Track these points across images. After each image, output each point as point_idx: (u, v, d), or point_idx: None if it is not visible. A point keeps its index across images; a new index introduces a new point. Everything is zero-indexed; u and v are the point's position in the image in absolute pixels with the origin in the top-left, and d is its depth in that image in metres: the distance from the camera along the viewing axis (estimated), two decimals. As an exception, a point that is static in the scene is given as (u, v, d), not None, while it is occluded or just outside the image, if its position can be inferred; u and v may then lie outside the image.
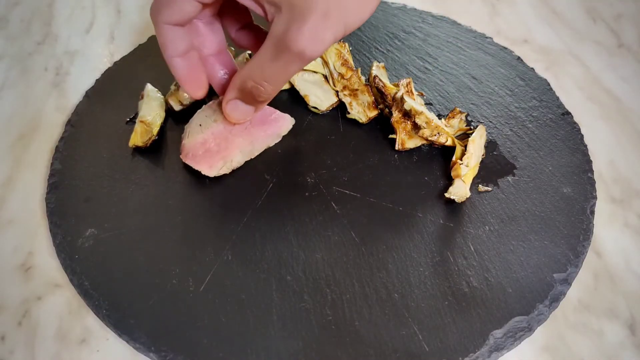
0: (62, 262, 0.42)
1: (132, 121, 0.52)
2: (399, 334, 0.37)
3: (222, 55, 0.42)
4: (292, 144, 0.50)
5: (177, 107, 0.52)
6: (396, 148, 0.48)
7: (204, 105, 0.47)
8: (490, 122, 0.51)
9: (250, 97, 0.39)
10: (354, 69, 0.53)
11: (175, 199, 0.46)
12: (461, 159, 0.45)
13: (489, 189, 0.46)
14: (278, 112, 0.48)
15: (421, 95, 0.52)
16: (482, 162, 0.47)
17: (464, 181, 0.44)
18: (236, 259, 0.41)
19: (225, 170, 0.46)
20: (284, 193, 0.46)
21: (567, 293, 0.39)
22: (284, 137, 0.50)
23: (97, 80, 0.57)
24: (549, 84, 0.55)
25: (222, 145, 0.46)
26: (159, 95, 0.52)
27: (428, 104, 0.53)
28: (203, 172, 0.46)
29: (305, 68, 0.53)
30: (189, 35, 0.38)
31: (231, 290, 0.40)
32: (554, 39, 0.63)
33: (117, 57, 0.60)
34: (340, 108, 0.53)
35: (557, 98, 0.53)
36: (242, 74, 0.38)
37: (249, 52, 0.55)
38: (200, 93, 0.42)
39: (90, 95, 0.56)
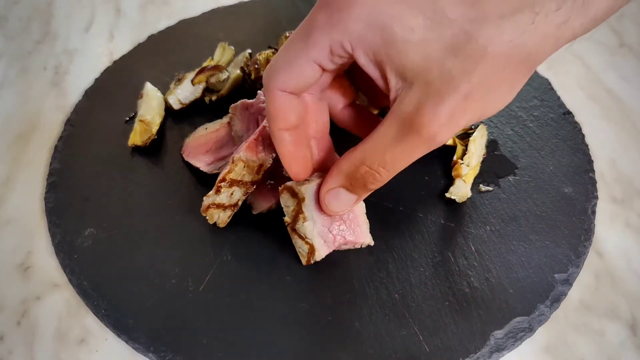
0: (61, 262, 0.42)
1: (132, 120, 0.52)
2: (399, 334, 0.37)
3: (324, 139, 0.38)
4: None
5: (176, 106, 0.52)
6: (396, 147, 0.48)
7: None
8: (491, 121, 0.51)
9: (359, 185, 0.34)
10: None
11: (175, 198, 0.45)
12: (462, 159, 0.45)
13: (490, 188, 0.45)
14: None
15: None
16: (483, 161, 0.47)
17: (464, 181, 0.44)
18: (236, 259, 0.41)
19: (224, 168, 0.46)
20: (284, 193, 0.46)
21: (568, 293, 0.39)
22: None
23: (96, 79, 0.57)
24: (550, 84, 0.54)
25: (223, 149, 0.46)
26: (159, 94, 0.52)
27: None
28: (201, 169, 0.46)
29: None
30: (300, 107, 0.33)
31: (231, 290, 0.39)
32: (555, 38, 0.63)
33: (117, 56, 0.60)
34: (340, 107, 0.52)
35: (559, 97, 0.53)
36: (353, 158, 0.33)
37: (249, 50, 0.55)
38: (303, 175, 0.37)
39: (89, 94, 0.56)
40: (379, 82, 0.30)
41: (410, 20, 0.27)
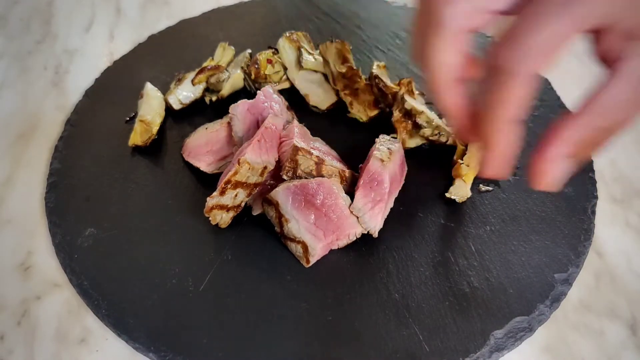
0: (62, 262, 0.42)
1: (132, 120, 0.52)
2: (399, 334, 0.37)
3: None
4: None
5: (176, 106, 0.52)
6: (397, 147, 0.48)
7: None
8: (491, 121, 0.51)
9: (583, 149, 0.32)
10: (355, 68, 0.52)
11: (175, 198, 0.46)
12: (462, 159, 0.45)
13: (490, 188, 0.45)
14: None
15: (422, 94, 0.52)
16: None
17: (464, 181, 0.44)
18: (236, 259, 0.41)
19: (224, 168, 0.46)
20: (284, 192, 0.46)
21: (568, 293, 0.39)
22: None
23: (96, 79, 0.57)
24: (550, 84, 0.54)
25: (223, 149, 0.46)
26: (159, 94, 0.52)
27: (429, 103, 0.53)
28: (202, 169, 0.46)
29: (305, 67, 0.53)
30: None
31: (231, 290, 0.39)
32: (555, 38, 0.63)
33: (117, 56, 0.60)
34: (340, 107, 0.53)
35: (558, 97, 0.53)
36: (588, 121, 0.31)
37: (249, 50, 0.55)
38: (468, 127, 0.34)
39: (89, 94, 0.56)
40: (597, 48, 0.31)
41: None
